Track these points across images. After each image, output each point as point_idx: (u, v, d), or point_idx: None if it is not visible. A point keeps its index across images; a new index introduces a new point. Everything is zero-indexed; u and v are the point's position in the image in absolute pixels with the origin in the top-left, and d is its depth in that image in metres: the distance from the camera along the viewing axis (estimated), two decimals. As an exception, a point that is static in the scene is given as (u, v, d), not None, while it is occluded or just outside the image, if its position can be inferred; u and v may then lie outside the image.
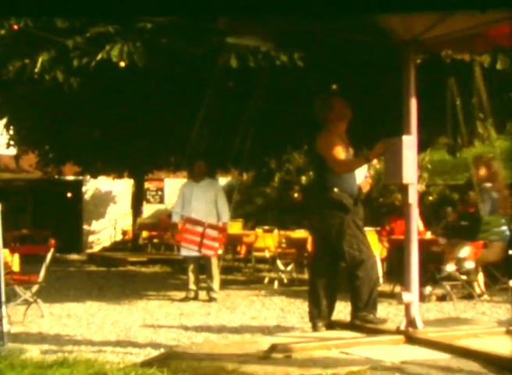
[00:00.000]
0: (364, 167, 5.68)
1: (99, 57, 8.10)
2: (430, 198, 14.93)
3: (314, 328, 5.63)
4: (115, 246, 21.20)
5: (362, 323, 5.40)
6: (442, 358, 4.48)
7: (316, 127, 5.75)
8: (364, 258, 5.47)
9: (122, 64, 8.09)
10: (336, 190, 5.50)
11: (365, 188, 5.90)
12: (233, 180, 20.49)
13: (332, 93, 6.67)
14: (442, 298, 8.91)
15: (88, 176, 19.88)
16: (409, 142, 4.94)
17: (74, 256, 19.07)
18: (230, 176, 19.94)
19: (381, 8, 4.03)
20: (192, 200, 9.56)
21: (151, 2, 3.46)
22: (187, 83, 9.70)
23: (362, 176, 5.78)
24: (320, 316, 5.62)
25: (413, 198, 5.00)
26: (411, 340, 4.85)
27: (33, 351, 5.63)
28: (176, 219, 9.82)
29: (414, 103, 5.04)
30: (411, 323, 4.95)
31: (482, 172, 8.98)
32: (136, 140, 12.61)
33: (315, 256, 5.89)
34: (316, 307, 5.64)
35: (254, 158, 12.79)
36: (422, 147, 9.29)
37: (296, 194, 17.62)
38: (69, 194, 22.77)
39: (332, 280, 5.67)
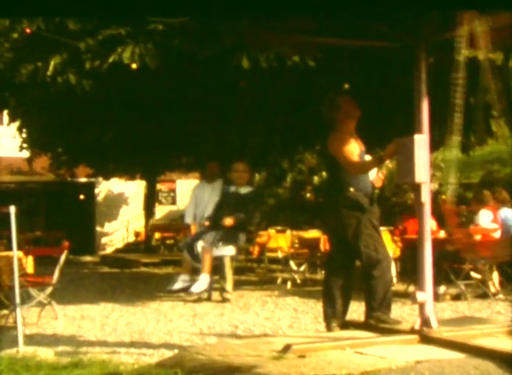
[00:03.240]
0: None
1: (111, 59, 8.13)
2: (443, 196, 14.87)
3: (329, 328, 5.62)
4: (128, 248, 21.26)
5: (376, 323, 5.39)
6: (457, 357, 4.45)
7: (328, 127, 5.75)
8: (380, 258, 5.46)
9: (134, 66, 8.12)
10: (351, 189, 5.50)
11: (378, 184, 5.92)
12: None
13: (338, 92, 6.64)
14: (456, 298, 8.88)
15: (101, 178, 19.96)
16: (421, 141, 4.93)
17: (87, 258, 19.15)
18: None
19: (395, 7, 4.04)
20: (204, 201, 9.57)
21: (163, 3, 3.47)
22: (199, 84, 9.73)
23: (374, 172, 5.80)
24: (334, 315, 5.61)
25: (425, 197, 4.99)
26: (426, 339, 4.82)
27: (47, 353, 5.65)
28: (188, 220, 9.83)
29: (425, 102, 5.03)
30: (426, 322, 4.93)
31: None
32: (148, 141, 12.65)
33: (330, 256, 5.88)
34: (331, 307, 5.63)
35: (267, 158, 12.79)
36: (435, 145, 9.25)
37: (308, 194, 17.61)
38: (81, 196, 22.86)
39: (347, 280, 5.66)
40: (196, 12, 4.01)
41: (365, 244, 5.46)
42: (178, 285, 9.06)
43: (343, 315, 5.66)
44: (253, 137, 10.87)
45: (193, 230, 9.69)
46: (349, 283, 5.68)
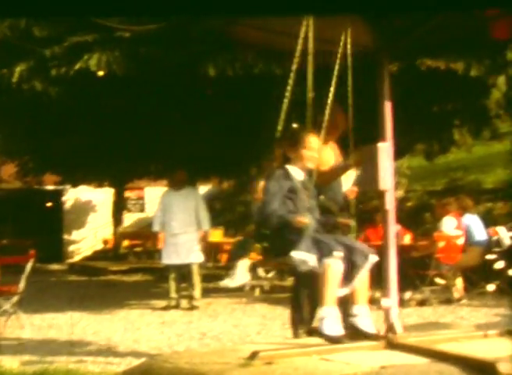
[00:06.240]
0: (353, 175, 5.70)
1: (77, 66, 8.10)
2: (409, 203, 15.04)
3: (296, 334, 5.65)
4: (96, 255, 21.10)
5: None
6: (422, 362, 4.50)
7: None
8: None
9: (101, 73, 8.09)
10: (321, 197, 5.55)
11: (351, 195, 5.93)
12: (213, 189, 20.49)
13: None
14: (421, 303, 8.97)
15: (68, 186, 19.81)
16: (384, 149, 4.99)
17: (55, 266, 18.97)
18: (211, 184, 19.93)
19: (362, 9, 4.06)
20: (172, 208, 9.56)
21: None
22: (166, 92, 9.72)
23: (349, 184, 5.81)
24: (302, 322, 5.65)
25: (390, 205, 5.04)
26: (391, 345, 4.87)
27: (13, 363, 5.60)
28: (156, 228, 9.81)
29: (388, 110, 5.08)
30: (391, 328, 4.97)
31: None
32: (115, 148, 12.59)
33: None
34: (298, 313, 5.67)
35: (235, 165, 12.82)
36: (400, 153, 9.36)
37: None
38: (49, 204, 22.66)
39: (315, 287, 5.70)
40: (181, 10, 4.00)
41: None
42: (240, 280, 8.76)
43: (310, 321, 5.70)
44: (220, 145, 10.90)
45: (162, 238, 9.66)
46: (317, 290, 5.71)
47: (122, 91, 9.56)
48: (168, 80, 9.13)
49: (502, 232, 9.50)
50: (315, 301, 5.67)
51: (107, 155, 13.25)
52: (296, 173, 5.01)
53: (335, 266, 4.67)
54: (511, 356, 4.23)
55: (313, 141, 5.00)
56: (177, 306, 9.42)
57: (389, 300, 4.99)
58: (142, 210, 23.31)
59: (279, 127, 4.89)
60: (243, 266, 8.86)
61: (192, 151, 11.11)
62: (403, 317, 5.23)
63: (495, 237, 9.41)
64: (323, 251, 4.67)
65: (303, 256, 4.68)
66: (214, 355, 4.96)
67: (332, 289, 4.73)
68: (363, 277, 4.84)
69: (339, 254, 4.65)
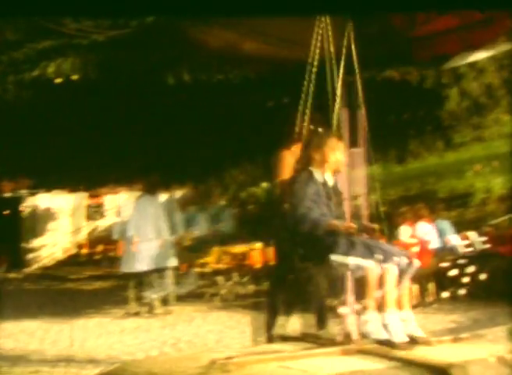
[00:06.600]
0: None
1: (36, 73, 8.05)
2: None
3: (270, 339, 5.70)
4: (55, 264, 20.90)
5: (310, 338, 5.48)
6: (378, 368, 4.56)
7: (257, 144, 5.87)
8: (313, 273, 5.59)
9: (59, 80, 8.06)
10: (285, 205, 5.60)
11: None
12: (188, 194, 20.41)
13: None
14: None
15: (27, 193, 19.58)
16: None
17: (13, 275, 18.72)
18: (186, 189, 19.85)
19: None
20: (146, 214, 9.56)
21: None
22: (129, 98, 9.69)
23: None
24: (274, 327, 5.72)
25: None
26: (348, 351, 4.92)
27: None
28: (116, 235, 9.78)
29: (346, 116, 5.10)
30: (348, 335, 5.03)
31: None
32: (75, 156, 12.49)
33: (275, 268, 6.01)
34: (272, 318, 5.73)
35: (194, 173, 12.84)
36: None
37: (251, 207, 17.65)
38: (6, 212, 22.35)
39: (289, 293, 5.78)
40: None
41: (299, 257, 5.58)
42: None
43: (273, 328, 5.76)
44: (189, 151, 10.91)
45: (121, 245, 9.63)
46: (290, 296, 5.79)
47: (80, 98, 9.50)
48: (132, 87, 9.11)
49: (473, 237, 9.69)
50: (287, 307, 5.77)
51: (66, 162, 13.13)
52: (319, 176, 4.99)
53: (376, 269, 4.70)
54: (464, 362, 4.32)
55: (337, 144, 4.97)
56: (137, 314, 9.38)
57: (346, 307, 5.05)
58: (102, 217, 23.13)
59: (297, 129, 4.88)
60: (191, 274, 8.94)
61: (161, 156, 11.11)
62: (361, 324, 5.27)
63: (449, 245, 9.61)
64: (365, 255, 4.69)
65: (353, 261, 4.69)
66: (172, 363, 4.95)
67: (374, 293, 4.77)
68: (406, 282, 4.87)
69: (379, 257, 4.68)
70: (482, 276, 9.22)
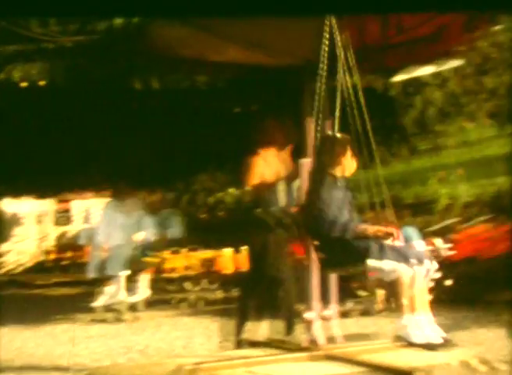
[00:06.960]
0: (293, 189, 5.80)
1: (1, 77, 8.02)
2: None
3: (239, 345, 5.72)
4: (21, 269, 20.68)
5: (278, 343, 5.51)
6: (345, 373, 4.62)
7: (225, 150, 5.91)
8: (283, 278, 5.65)
9: (24, 84, 8.04)
10: (258, 210, 5.66)
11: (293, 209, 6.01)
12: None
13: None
14: (344, 315, 9.12)
15: (-8, 198, 19.37)
16: (306, 165, 5.14)
17: (-23, 281, 18.49)
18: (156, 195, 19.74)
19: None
20: (113, 220, 9.54)
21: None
22: (96, 103, 9.66)
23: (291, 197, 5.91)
24: (243, 332, 5.74)
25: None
26: (314, 357, 4.97)
27: None
28: (82, 241, 9.74)
29: (311, 125, 5.16)
30: (314, 340, 5.08)
31: None
32: (41, 160, 12.40)
33: (247, 274, 6.05)
34: (242, 324, 5.76)
35: (162, 179, 12.82)
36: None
37: (203, 215, 17.64)
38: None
39: (260, 299, 5.82)
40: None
41: (269, 263, 5.63)
42: None
43: (242, 332, 5.79)
44: (157, 157, 10.91)
45: (88, 251, 9.60)
46: (261, 302, 5.83)
47: (50, 103, 9.46)
48: (99, 92, 9.09)
49: (438, 243, 9.76)
50: (257, 313, 5.81)
51: (32, 167, 13.02)
52: (340, 180, 4.96)
53: (409, 272, 4.80)
54: (428, 366, 4.39)
55: (349, 149, 4.98)
56: (104, 320, 9.34)
57: (311, 312, 5.11)
58: (69, 223, 22.95)
59: (318, 134, 4.90)
60: (144, 280, 8.96)
61: (129, 162, 11.09)
62: (328, 329, 5.33)
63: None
64: (399, 259, 4.77)
65: (388, 265, 4.72)
66: (139, 369, 4.96)
67: (408, 296, 4.84)
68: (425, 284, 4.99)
69: (413, 261, 4.78)
70: (448, 282, 9.33)
